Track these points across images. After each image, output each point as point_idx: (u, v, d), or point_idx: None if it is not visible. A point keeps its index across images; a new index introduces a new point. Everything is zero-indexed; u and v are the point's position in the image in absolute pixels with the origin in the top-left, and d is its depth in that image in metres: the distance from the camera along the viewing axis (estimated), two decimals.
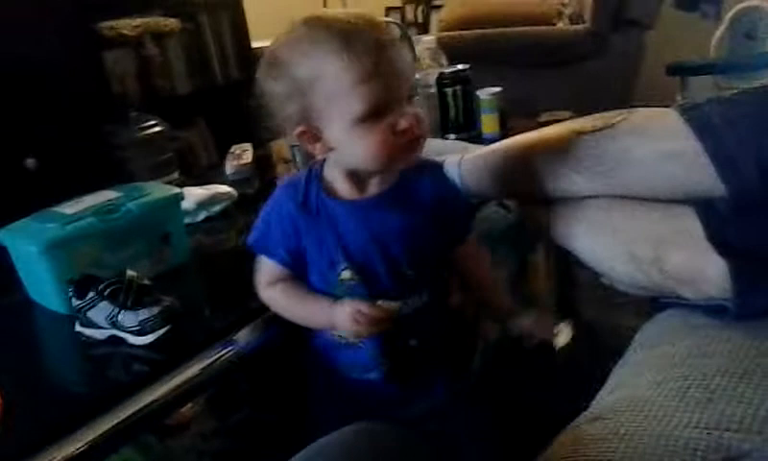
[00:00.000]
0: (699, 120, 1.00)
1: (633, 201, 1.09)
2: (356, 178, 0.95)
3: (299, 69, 0.87)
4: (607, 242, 1.11)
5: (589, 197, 1.13)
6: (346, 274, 0.94)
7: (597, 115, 1.12)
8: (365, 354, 0.98)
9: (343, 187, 0.95)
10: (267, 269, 0.99)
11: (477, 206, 1.32)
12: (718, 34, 2.88)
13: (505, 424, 1.18)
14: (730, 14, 2.85)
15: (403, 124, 0.87)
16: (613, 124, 1.08)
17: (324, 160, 0.97)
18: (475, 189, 1.24)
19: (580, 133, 1.10)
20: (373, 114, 0.86)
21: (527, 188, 1.18)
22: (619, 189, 1.08)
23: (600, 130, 1.08)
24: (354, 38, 0.84)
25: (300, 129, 0.90)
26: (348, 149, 0.90)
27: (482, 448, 1.07)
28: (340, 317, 0.91)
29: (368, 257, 0.94)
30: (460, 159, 1.26)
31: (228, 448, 1.58)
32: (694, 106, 1.04)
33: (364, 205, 0.95)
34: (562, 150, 1.11)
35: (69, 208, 1.18)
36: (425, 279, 0.98)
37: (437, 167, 1.03)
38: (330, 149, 0.91)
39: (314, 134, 0.90)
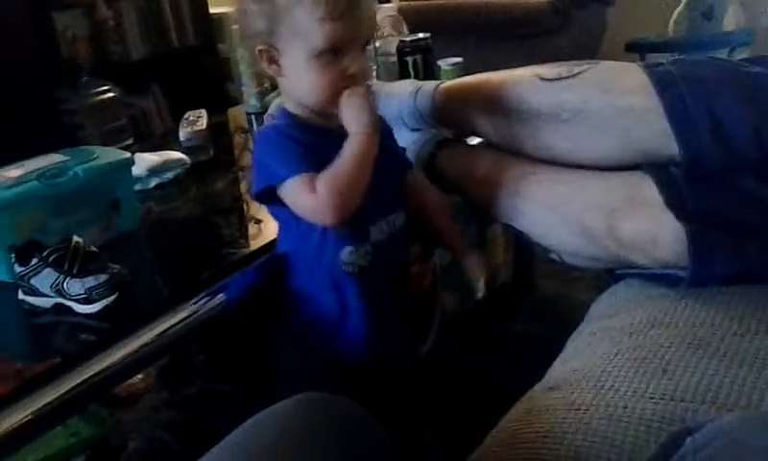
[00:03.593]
0: (661, 75, 1.00)
1: (579, 171, 1.09)
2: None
3: None
4: (555, 216, 1.10)
5: (533, 172, 1.12)
6: None
7: (563, 63, 1.12)
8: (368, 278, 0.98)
9: (311, 116, 0.98)
10: (304, 187, 0.91)
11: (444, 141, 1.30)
12: (676, 12, 2.91)
13: (461, 396, 1.18)
14: None
15: (354, 68, 0.92)
16: (576, 74, 1.08)
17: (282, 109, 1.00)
18: (447, 121, 1.25)
19: (543, 79, 1.10)
20: (330, 52, 0.90)
21: (488, 129, 1.19)
22: (572, 145, 1.08)
23: (563, 78, 1.08)
24: None
25: (261, 47, 0.94)
26: (297, 80, 0.95)
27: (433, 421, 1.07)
28: (350, 105, 0.92)
29: None
30: (435, 88, 1.25)
31: (182, 420, 1.56)
32: (658, 64, 1.05)
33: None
34: (523, 93, 1.10)
35: (12, 172, 1.13)
36: (402, 200, 1.04)
37: None
38: (282, 76, 0.96)
39: (272, 56, 0.95)
